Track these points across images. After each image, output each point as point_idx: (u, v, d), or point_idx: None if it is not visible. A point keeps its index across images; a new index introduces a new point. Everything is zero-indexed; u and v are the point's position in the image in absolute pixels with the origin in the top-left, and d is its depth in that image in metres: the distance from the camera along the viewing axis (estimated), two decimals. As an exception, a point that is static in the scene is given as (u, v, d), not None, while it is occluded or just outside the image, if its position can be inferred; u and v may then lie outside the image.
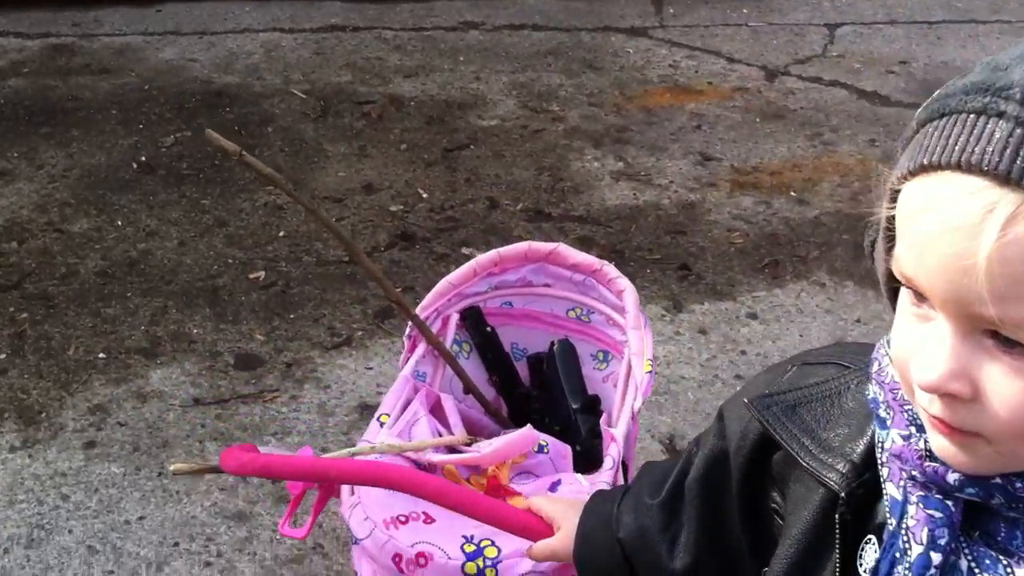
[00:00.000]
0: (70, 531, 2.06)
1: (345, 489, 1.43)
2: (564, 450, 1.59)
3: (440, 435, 1.59)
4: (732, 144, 3.74)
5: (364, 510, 1.38)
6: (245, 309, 2.77)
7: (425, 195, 3.35)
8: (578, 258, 1.78)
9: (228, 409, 2.40)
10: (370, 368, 2.54)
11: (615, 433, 1.51)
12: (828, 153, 3.71)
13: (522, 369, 1.89)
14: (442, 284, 1.74)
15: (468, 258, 2.96)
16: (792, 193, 3.43)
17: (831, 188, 3.47)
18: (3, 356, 2.56)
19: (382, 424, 1.53)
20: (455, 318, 1.78)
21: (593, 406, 1.70)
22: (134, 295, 2.81)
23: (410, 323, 1.68)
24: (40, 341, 2.61)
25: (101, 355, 2.57)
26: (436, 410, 1.66)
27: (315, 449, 1.50)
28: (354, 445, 1.53)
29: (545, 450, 1.57)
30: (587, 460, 1.66)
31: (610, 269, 1.76)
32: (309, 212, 1.60)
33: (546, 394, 1.80)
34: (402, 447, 1.44)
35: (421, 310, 1.72)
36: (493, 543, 1.30)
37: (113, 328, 2.67)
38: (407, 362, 1.68)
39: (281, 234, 3.11)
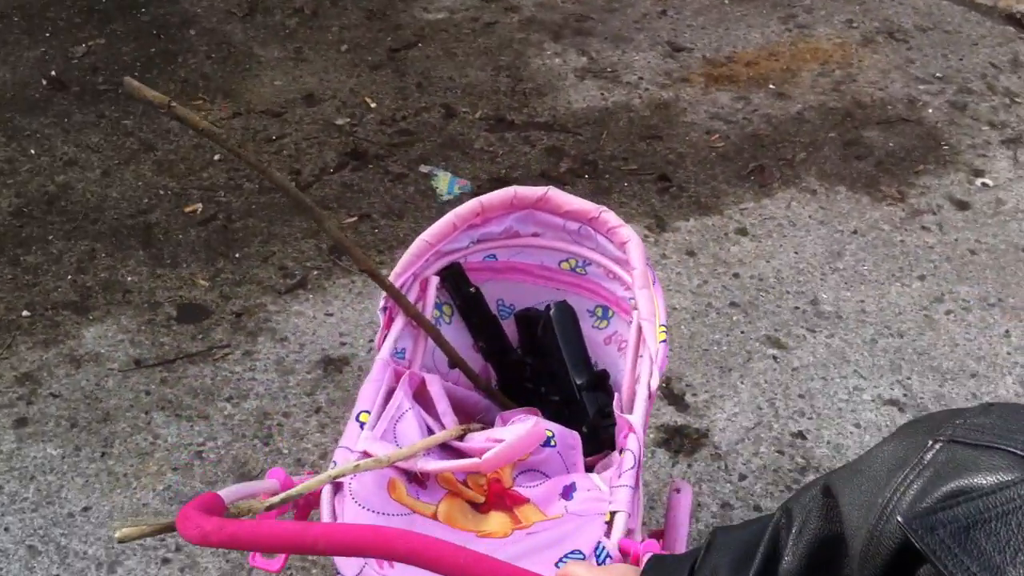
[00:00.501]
0: (6, 529, 1.84)
1: (325, 515, 1.23)
2: (573, 439, 1.40)
3: (430, 430, 1.38)
4: (702, 31, 3.48)
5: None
6: (184, 250, 2.50)
7: (374, 105, 3.06)
8: (573, 204, 1.55)
9: (174, 371, 2.17)
10: (330, 314, 2.31)
11: (632, 421, 1.32)
12: (804, 38, 3.47)
13: (509, 328, 1.68)
14: (417, 243, 1.51)
15: (427, 178, 2.73)
16: (771, 86, 3.20)
17: (811, 78, 3.25)
18: (-90, 320, 2.28)
19: (363, 424, 1.32)
20: (435, 281, 1.55)
21: (601, 382, 1.50)
22: (56, 238, 2.52)
23: (384, 294, 1.46)
24: (-48, 299, 2.34)
25: (25, 313, 2.31)
26: (421, 394, 1.45)
27: (285, 470, 1.28)
28: (334, 451, 1.32)
29: (552, 443, 1.38)
30: (596, 443, 1.48)
31: (610, 216, 1.53)
32: (261, 172, 1.34)
33: (541, 361, 1.60)
34: (390, 459, 1.23)
35: (395, 276, 1.49)
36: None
37: (35, 279, 2.40)
38: (384, 341, 1.46)
39: (216, 158, 2.82)
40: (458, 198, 2.66)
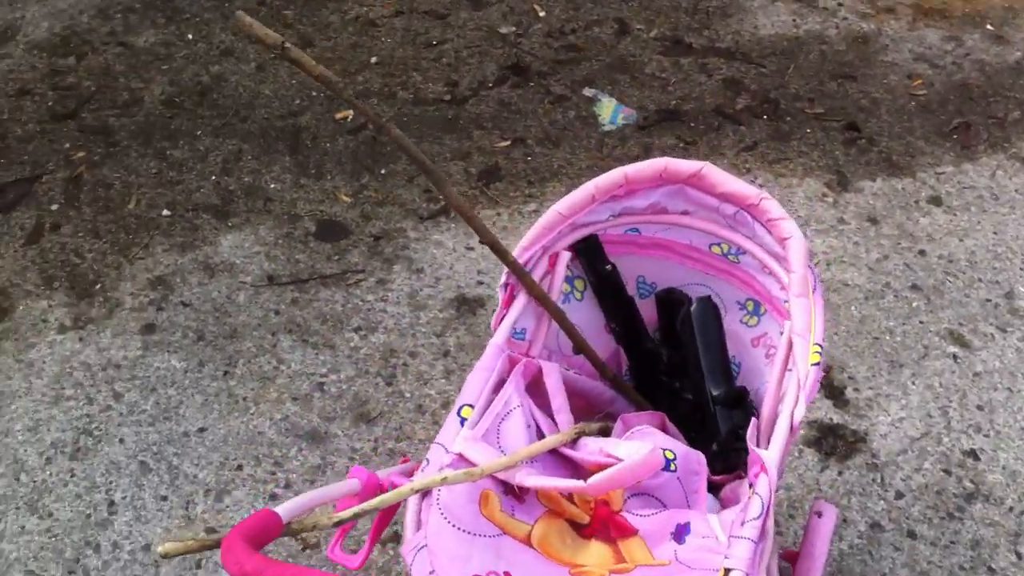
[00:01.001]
0: (121, 440, 1.85)
1: (409, 522, 1.15)
2: (697, 464, 1.26)
3: (539, 429, 1.27)
4: (920, -46, 3.12)
5: (431, 559, 1.09)
6: (330, 159, 2.44)
7: (542, 13, 2.88)
8: (730, 185, 1.37)
9: (306, 292, 2.12)
10: (471, 248, 2.21)
11: (766, 459, 1.17)
12: (1042, -30, 3.06)
13: (648, 308, 1.53)
14: (549, 215, 1.37)
15: (590, 102, 2.56)
16: (989, 26, 2.85)
17: (1043, 21, 2.87)
18: (56, 207, 2.30)
19: (463, 421, 1.22)
20: (566, 256, 1.42)
21: (739, 400, 1.35)
22: (205, 134, 2.50)
23: (505, 270, 1.34)
24: (98, 189, 2.35)
25: (165, 212, 2.30)
26: (535, 385, 1.34)
27: (367, 469, 1.21)
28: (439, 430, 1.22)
29: (672, 467, 1.25)
30: (724, 463, 1.34)
31: (772, 206, 1.35)
32: (378, 126, 1.23)
33: (678, 354, 1.46)
34: (483, 471, 1.13)
35: (522, 250, 1.36)
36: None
37: (179, 177, 2.39)
38: (501, 322, 1.35)
39: (373, 60, 2.72)
40: (620, 129, 2.49)
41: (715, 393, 1.35)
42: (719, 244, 1.44)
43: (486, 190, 2.34)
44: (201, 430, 1.87)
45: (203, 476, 1.79)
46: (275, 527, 0.95)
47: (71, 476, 1.79)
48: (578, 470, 1.26)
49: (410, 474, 1.22)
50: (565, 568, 1.11)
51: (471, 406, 1.23)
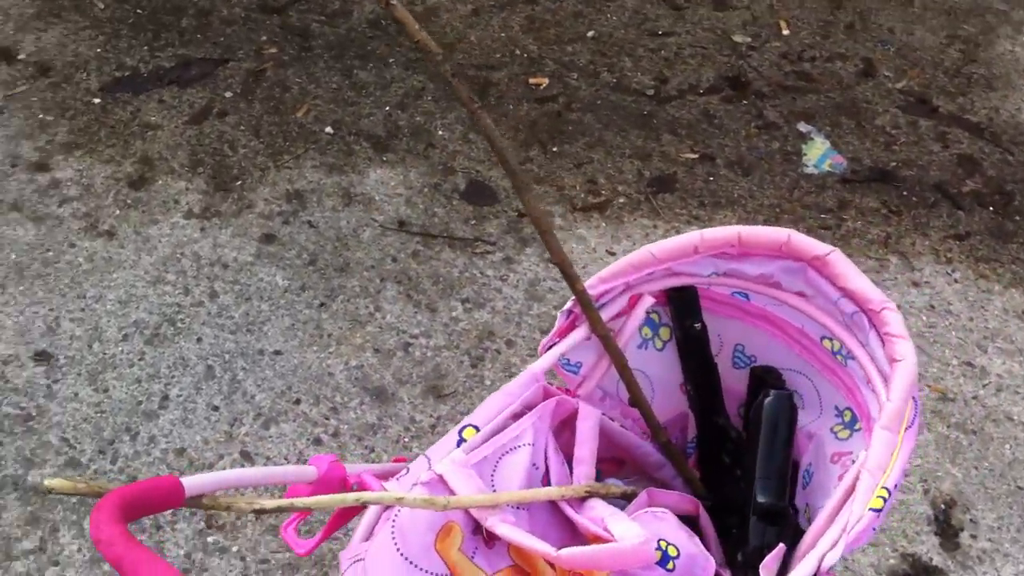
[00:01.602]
0: (199, 339, 1.87)
1: (361, 527, 1.07)
2: (700, 570, 1.12)
3: (547, 473, 1.17)
4: None
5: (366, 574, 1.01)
6: (507, 122, 2.37)
7: (786, 32, 2.69)
8: (855, 283, 1.20)
9: (431, 248, 2.07)
10: (613, 254, 2.09)
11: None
12: None
13: (739, 381, 1.38)
14: (640, 254, 1.24)
15: (800, 138, 2.36)
16: None
17: None
18: (230, 95, 2.34)
19: (461, 441, 1.12)
20: (648, 301, 1.29)
21: (777, 518, 1.19)
22: (396, 63, 2.48)
23: (572, 298, 1.22)
24: (275, 89, 2.37)
25: (328, 129, 2.30)
26: (566, 427, 1.23)
27: (340, 458, 1.13)
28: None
29: (670, 565, 1.11)
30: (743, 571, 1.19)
31: (893, 318, 1.17)
32: (470, 111, 1.14)
33: (751, 441, 1.30)
34: (448, 503, 1.03)
35: (599, 281, 1.24)
36: None
37: (356, 98, 2.38)
38: (548, 350, 1.24)
39: (590, 34, 2.62)
40: (822, 175, 2.29)
41: (760, 500, 1.19)
42: (831, 339, 1.27)
43: (653, 198, 2.21)
44: (276, 353, 1.85)
45: (259, 399, 1.78)
46: (174, 497, 0.89)
47: (139, 359, 1.82)
48: (575, 533, 1.15)
49: (386, 476, 1.14)
50: (498, 636, 1.01)
51: (476, 428, 1.14)
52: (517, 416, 1.17)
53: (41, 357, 1.79)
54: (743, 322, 1.34)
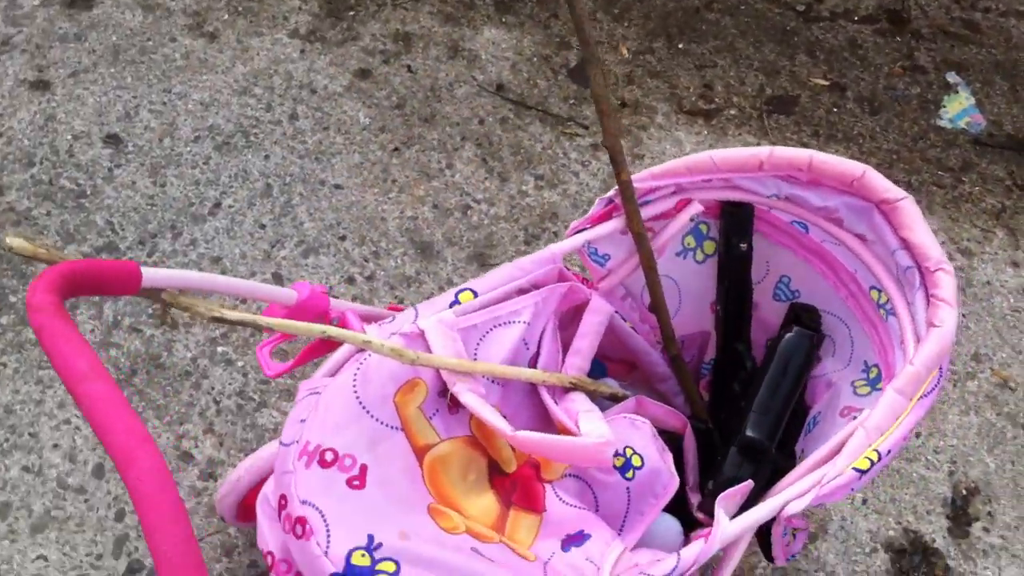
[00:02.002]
0: (267, 156, 1.86)
1: (329, 361, 1.05)
2: (661, 487, 1.06)
3: (537, 355, 1.12)
4: None
5: (313, 409, 0.99)
6: (642, 7, 2.25)
7: (965, -27, 2.47)
8: (919, 235, 1.10)
9: (521, 118, 2.00)
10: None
11: (717, 529, 0.96)
12: None
13: (776, 314, 1.31)
14: (700, 157, 1.16)
15: (945, 88, 2.20)
16: None
17: None
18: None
19: (455, 303, 1.09)
20: (695, 208, 1.21)
21: (756, 454, 1.12)
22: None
23: (616, 187, 1.16)
24: (412, -74, 2.30)
25: (454, -23, 2.23)
26: (574, 315, 1.18)
27: (327, 288, 1.10)
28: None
29: (629, 474, 1.06)
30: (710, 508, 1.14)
31: (945, 280, 1.08)
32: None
33: (761, 373, 1.23)
34: (417, 358, 0.99)
35: (649, 176, 1.17)
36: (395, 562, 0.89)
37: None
38: (576, 232, 1.18)
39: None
40: (955, 132, 2.13)
41: (747, 434, 1.12)
42: (880, 290, 1.18)
43: (766, 117, 2.09)
44: (337, 186, 1.84)
45: (307, 227, 1.77)
46: (129, 284, 0.87)
47: (204, 163, 1.82)
48: (548, 422, 1.11)
49: (371, 320, 1.11)
50: (428, 498, 0.98)
51: (474, 294, 1.09)
52: (523, 292, 1.12)
53: (111, 140, 1.81)
54: (795, 254, 1.26)
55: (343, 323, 1.07)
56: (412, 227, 1.78)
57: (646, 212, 1.18)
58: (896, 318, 1.14)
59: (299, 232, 1.74)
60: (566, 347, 1.16)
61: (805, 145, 2.02)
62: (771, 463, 1.10)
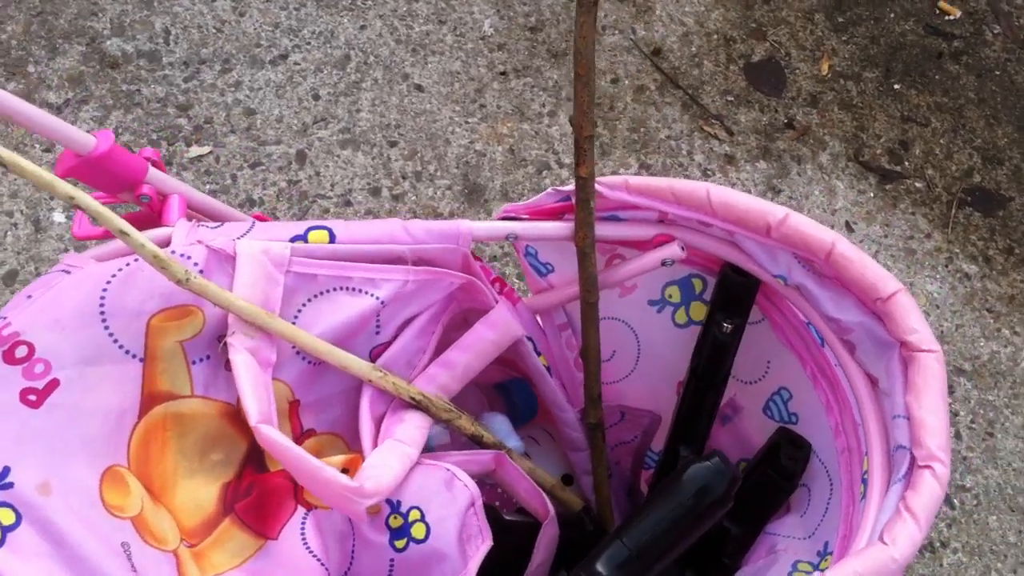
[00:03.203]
0: (363, 27, 1.65)
1: (109, 246, 0.83)
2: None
3: (387, 345, 0.87)
4: None
5: (53, 285, 0.78)
6: (881, 25, 1.88)
7: None
8: (929, 408, 0.78)
9: (663, 95, 1.70)
10: (852, 230, 1.63)
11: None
12: None
13: (759, 431, 1.00)
14: (693, 188, 0.86)
15: None
16: None
17: None
18: None
19: (302, 239, 0.84)
20: (675, 251, 0.91)
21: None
22: None
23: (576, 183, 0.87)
24: None
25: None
26: (466, 321, 0.91)
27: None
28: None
29: (400, 544, 0.80)
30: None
31: (928, 486, 0.76)
32: None
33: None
34: (188, 279, 0.76)
35: (623, 185, 0.88)
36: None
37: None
38: (505, 218, 0.91)
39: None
40: None
41: (597, 568, 0.83)
42: (868, 458, 0.85)
43: (956, 207, 1.69)
44: (418, 87, 1.61)
45: (362, 117, 1.55)
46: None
47: (296, 7, 1.64)
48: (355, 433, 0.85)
49: (214, 216, 0.89)
50: (118, 459, 0.75)
51: (331, 236, 0.84)
52: (396, 261, 0.86)
53: (213, -53, 1.66)
54: (803, 367, 0.94)
55: (160, 206, 0.84)
56: (473, 163, 1.53)
57: (614, 230, 0.89)
58: (865, 504, 0.82)
59: (350, 119, 1.53)
60: (439, 352, 0.89)
61: (988, 261, 1.62)
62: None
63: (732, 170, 1.62)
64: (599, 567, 0.81)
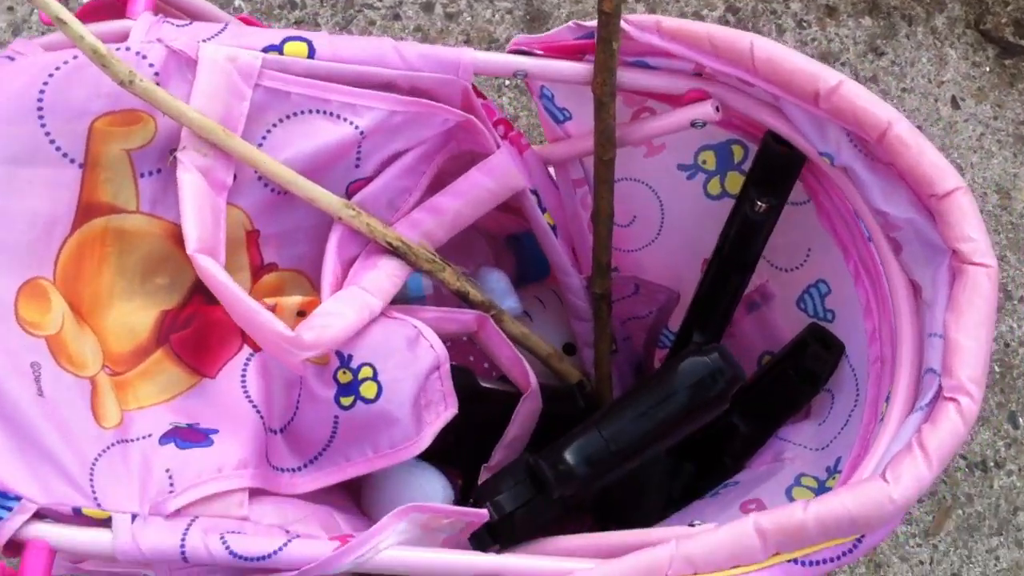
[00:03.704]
0: None
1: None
2: (389, 442, 0.72)
3: (368, 180, 0.78)
4: None
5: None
6: None
7: None
8: (968, 336, 0.66)
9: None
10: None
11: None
12: None
13: (788, 323, 0.89)
14: (735, 37, 0.73)
15: None
16: None
17: None
18: None
19: (276, 49, 0.74)
20: (707, 111, 0.78)
21: (538, 481, 0.74)
22: None
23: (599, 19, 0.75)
24: None
25: None
26: (462, 164, 0.81)
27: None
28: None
29: (346, 402, 0.72)
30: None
31: (950, 422, 0.65)
32: None
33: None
34: (132, 79, 0.67)
35: (655, 28, 0.76)
36: None
37: None
38: (516, 51, 0.79)
39: None
40: None
41: (564, 457, 0.74)
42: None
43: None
44: None
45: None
46: None
47: None
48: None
49: (193, 15, 0.79)
50: (44, 271, 0.69)
51: (311, 50, 0.74)
52: (385, 88, 0.75)
53: None
54: (846, 261, 0.82)
55: (126, -2, 0.75)
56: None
57: (640, 79, 0.77)
58: (882, 427, 0.71)
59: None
60: (431, 193, 0.80)
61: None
62: (559, 508, 0.73)
63: (831, 24, 1.45)
64: (567, 456, 0.73)
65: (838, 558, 0.62)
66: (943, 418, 0.62)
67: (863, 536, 0.62)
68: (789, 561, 0.62)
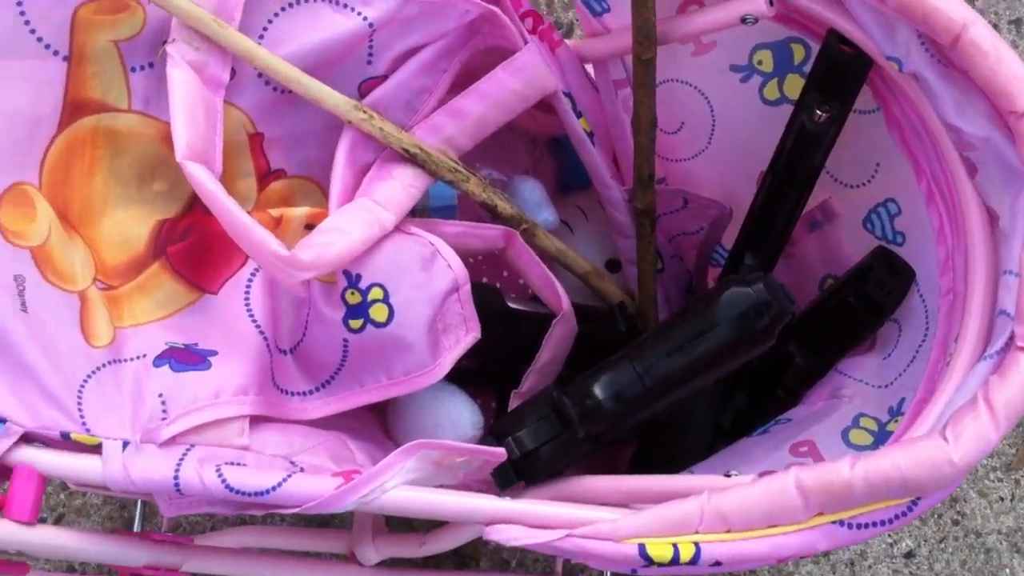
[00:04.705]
0: None
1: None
2: (403, 368, 0.68)
3: (382, 80, 0.71)
4: None
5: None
6: None
7: None
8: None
9: None
10: None
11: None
12: None
13: (854, 244, 0.82)
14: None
15: None
16: None
17: None
18: None
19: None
20: (760, 4, 0.70)
21: (568, 428, 0.69)
22: None
23: None
24: None
25: None
26: (486, 61, 0.74)
27: None
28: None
29: (356, 325, 0.67)
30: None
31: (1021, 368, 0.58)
32: None
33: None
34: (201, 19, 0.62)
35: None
36: None
37: None
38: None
39: None
40: None
41: (594, 391, 0.68)
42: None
43: None
44: None
45: None
46: None
47: None
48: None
49: None
50: (30, 173, 0.64)
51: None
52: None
53: None
54: (918, 180, 0.74)
55: None
56: None
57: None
58: (947, 373, 0.65)
59: None
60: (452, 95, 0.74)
61: None
62: (587, 446, 0.68)
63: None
64: (596, 391, 0.67)
65: (889, 521, 0.57)
66: (1014, 371, 0.56)
67: (919, 498, 0.57)
68: (833, 523, 0.57)
